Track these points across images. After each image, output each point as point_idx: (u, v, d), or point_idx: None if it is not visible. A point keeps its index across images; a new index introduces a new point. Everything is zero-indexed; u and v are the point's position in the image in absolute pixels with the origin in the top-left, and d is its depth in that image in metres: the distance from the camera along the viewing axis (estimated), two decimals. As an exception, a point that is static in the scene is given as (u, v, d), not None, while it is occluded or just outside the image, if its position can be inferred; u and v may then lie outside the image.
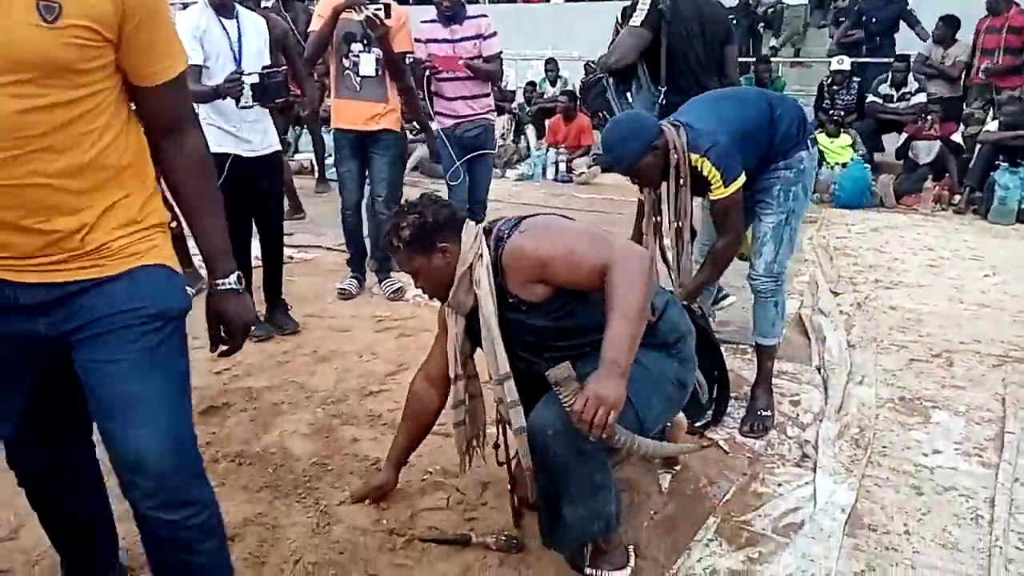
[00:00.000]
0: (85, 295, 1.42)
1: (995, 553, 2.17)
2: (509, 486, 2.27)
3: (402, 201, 2.11)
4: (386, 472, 2.43)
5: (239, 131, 3.65)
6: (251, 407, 3.10)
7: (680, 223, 2.78)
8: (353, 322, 4.11)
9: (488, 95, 4.57)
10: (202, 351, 3.70)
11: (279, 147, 3.92)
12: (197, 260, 4.58)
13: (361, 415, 3.03)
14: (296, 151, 9.13)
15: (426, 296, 2.11)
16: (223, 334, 1.66)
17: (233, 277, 1.61)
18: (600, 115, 3.99)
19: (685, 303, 2.70)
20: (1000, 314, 4.12)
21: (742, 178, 2.64)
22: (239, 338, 1.67)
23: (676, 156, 2.61)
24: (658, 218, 2.88)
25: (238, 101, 3.53)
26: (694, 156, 2.61)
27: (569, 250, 1.84)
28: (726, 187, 2.61)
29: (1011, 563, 2.14)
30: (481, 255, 1.97)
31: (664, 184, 2.73)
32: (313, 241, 5.65)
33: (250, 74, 3.54)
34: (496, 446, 2.28)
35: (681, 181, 2.66)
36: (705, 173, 2.61)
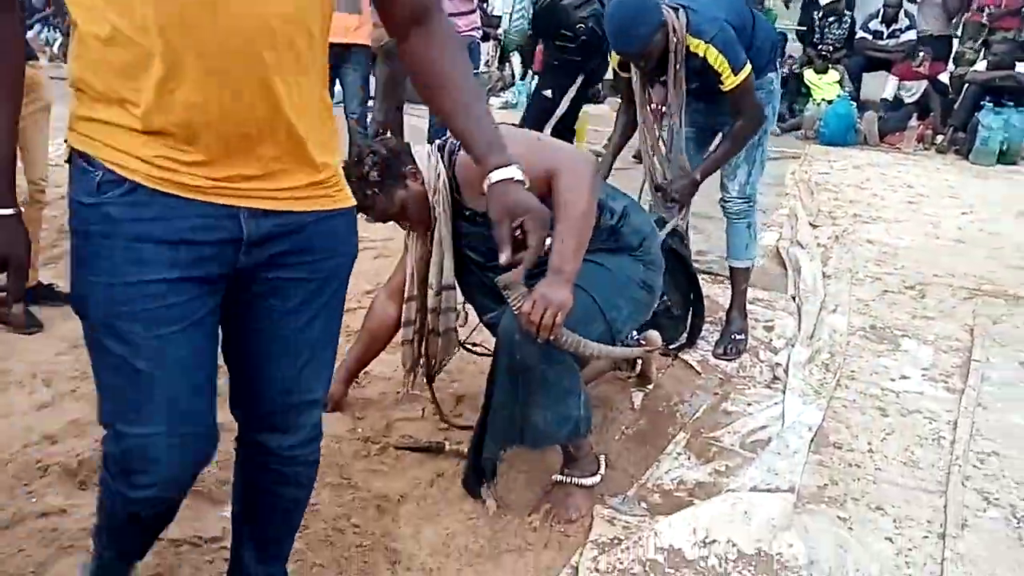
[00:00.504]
0: (304, 229, 1.25)
1: (954, 471, 2.24)
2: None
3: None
4: (335, 385, 2.38)
5: None
6: (227, 320, 3.08)
7: (673, 109, 2.72)
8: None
9: (474, 11, 4.48)
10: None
11: None
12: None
13: (338, 330, 3.02)
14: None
15: (416, 231, 2.12)
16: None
17: (515, 167, 1.32)
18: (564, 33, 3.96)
19: (666, 224, 2.71)
20: (974, 250, 4.17)
21: (749, 66, 2.56)
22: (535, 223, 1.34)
23: (675, 39, 2.54)
24: (652, 105, 2.83)
25: None
26: (696, 41, 2.52)
27: (518, 157, 1.82)
28: (735, 75, 2.53)
29: (968, 479, 2.20)
30: (439, 173, 1.98)
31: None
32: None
33: None
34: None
35: (677, 66, 2.59)
36: (711, 61, 2.52)
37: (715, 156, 2.78)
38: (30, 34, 9.37)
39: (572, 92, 4.20)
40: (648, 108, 2.82)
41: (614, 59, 2.80)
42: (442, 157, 2.01)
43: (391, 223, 2.14)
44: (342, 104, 4.43)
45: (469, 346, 2.39)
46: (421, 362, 2.33)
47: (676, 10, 2.54)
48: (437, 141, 2.08)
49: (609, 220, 2.03)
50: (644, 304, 2.11)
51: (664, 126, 2.81)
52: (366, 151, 2.01)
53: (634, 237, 2.06)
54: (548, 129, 4.17)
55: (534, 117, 4.28)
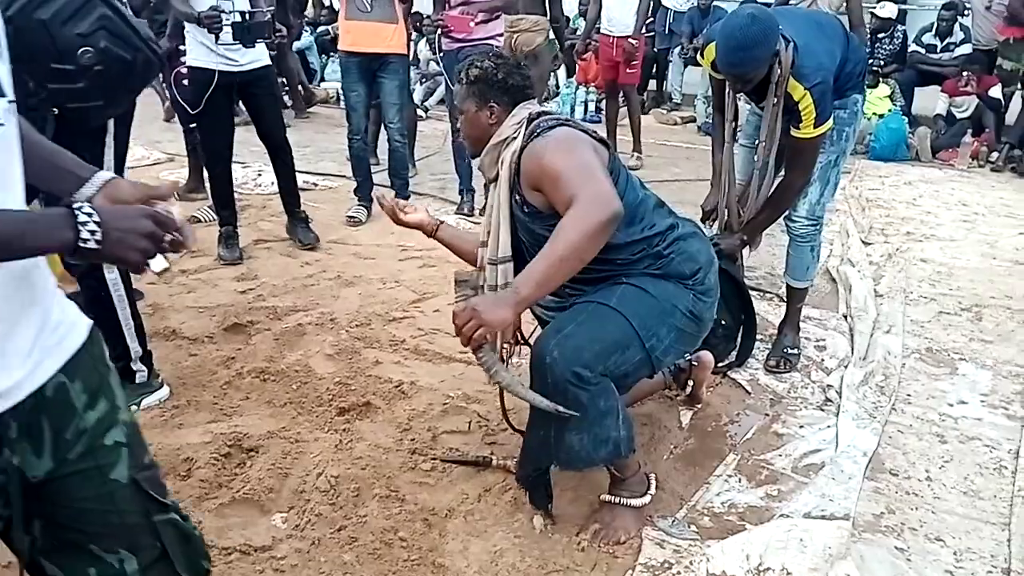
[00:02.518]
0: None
1: (1017, 503, 2.16)
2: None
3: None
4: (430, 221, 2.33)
5: (223, 48, 3.59)
6: (275, 326, 3.12)
7: (766, 141, 2.69)
8: (377, 250, 4.10)
9: (498, 18, 4.47)
10: (226, 270, 3.76)
11: (267, 62, 3.82)
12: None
13: (384, 339, 3.04)
14: (323, 79, 9.01)
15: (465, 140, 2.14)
16: None
17: None
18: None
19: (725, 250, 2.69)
20: (1033, 271, 4.04)
21: (830, 122, 2.56)
22: None
23: (779, 72, 2.50)
24: (733, 124, 2.81)
25: (217, 37, 3.51)
26: (795, 84, 2.49)
27: (558, 172, 1.81)
28: (815, 128, 2.52)
29: (1033, 513, 2.13)
30: (516, 138, 1.96)
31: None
32: (337, 170, 5.62)
33: (231, 12, 3.48)
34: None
35: (776, 99, 2.55)
36: (802, 107, 2.50)
37: (760, 220, 2.80)
38: None
39: (109, 154, 2.41)
40: (731, 124, 2.80)
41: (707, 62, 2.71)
42: (524, 129, 1.96)
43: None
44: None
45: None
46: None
47: (787, 43, 2.49)
48: (533, 112, 2.00)
49: (656, 246, 1.97)
50: (690, 334, 2.03)
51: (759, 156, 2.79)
52: (502, 62, 2.02)
53: (686, 265, 1.99)
54: None
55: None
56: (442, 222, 2.34)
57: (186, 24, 3.65)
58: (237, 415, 2.48)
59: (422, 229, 2.31)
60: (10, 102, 0.98)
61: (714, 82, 2.82)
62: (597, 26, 5.97)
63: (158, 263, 1.08)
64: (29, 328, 1.01)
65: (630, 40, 5.70)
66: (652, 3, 6.76)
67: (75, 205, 0.97)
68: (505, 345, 2.18)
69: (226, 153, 3.88)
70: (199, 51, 3.63)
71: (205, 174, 4.63)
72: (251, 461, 2.23)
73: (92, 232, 0.96)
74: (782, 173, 2.78)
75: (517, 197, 1.97)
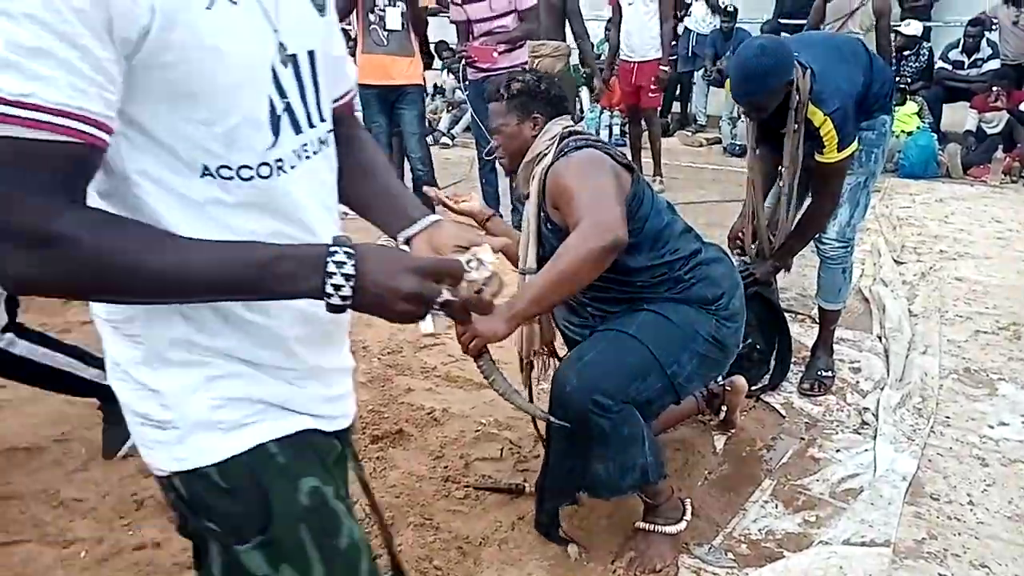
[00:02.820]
0: None
1: (1063, 527, 2.11)
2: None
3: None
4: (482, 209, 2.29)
5: None
6: (308, 355, 3.15)
7: (789, 166, 2.67)
8: (407, 277, 4.13)
9: (522, 47, 4.53)
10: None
11: None
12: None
13: (416, 367, 3.06)
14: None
15: (499, 157, 2.14)
16: None
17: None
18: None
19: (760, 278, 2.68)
20: (1072, 289, 3.97)
21: (854, 145, 2.55)
22: None
23: (797, 99, 2.50)
24: (758, 150, 2.81)
25: None
26: (814, 110, 2.49)
27: (574, 194, 1.83)
28: (839, 152, 2.51)
29: (1081, 538, 2.08)
30: (547, 154, 1.98)
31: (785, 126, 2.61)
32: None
33: None
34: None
35: (796, 125, 2.55)
36: (823, 132, 2.49)
37: (790, 245, 2.79)
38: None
39: None
40: (758, 152, 2.80)
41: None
42: (557, 145, 1.98)
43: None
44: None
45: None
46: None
47: (804, 70, 2.50)
48: (565, 129, 2.01)
49: (679, 270, 1.97)
50: (714, 360, 2.01)
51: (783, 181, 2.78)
52: (544, 77, 2.06)
53: (709, 290, 1.98)
54: None
55: None
56: (494, 212, 2.32)
57: None
58: (272, 444, 2.50)
59: (474, 217, 2.26)
60: (328, 131, 0.99)
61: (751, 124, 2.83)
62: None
63: (427, 325, 0.90)
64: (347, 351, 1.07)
65: (662, 67, 5.70)
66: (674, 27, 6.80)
67: (332, 244, 0.84)
68: (532, 358, 2.21)
69: None
70: None
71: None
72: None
73: (338, 286, 0.82)
74: (809, 198, 2.77)
75: (543, 213, 2.00)
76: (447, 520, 2.14)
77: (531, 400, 2.27)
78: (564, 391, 1.83)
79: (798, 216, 2.79)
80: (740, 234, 2.89)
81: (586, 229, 1.74)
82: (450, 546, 2.03)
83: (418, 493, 2.24)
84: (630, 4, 5.65)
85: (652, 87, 5.82)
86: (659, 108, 6.24)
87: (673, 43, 8.87)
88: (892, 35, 7.43)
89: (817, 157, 2.57)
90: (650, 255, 1.95)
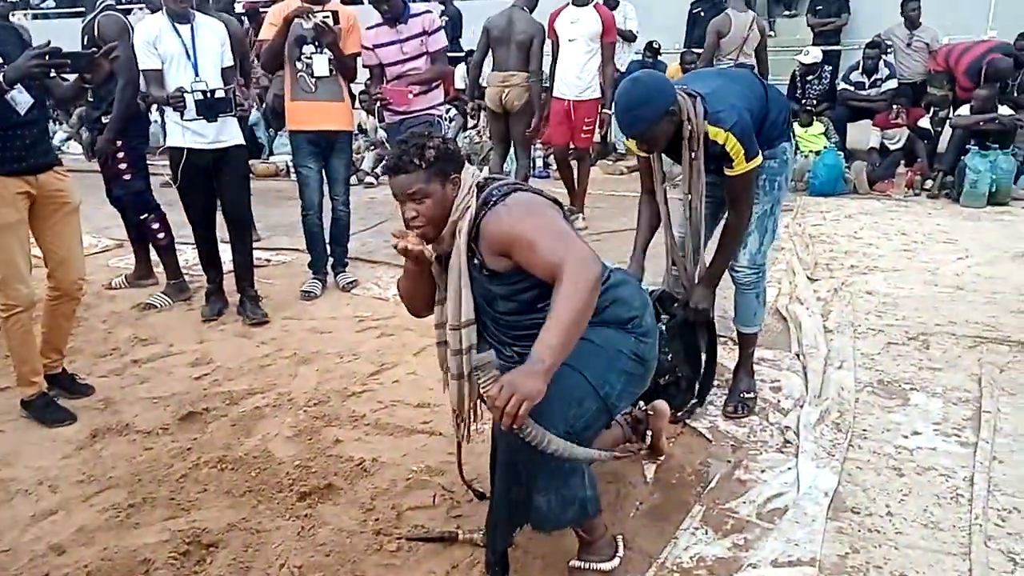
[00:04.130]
0: None
1: (975, 531, 2.20)
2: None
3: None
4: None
5: (193, 126, 3.82)
6: (232, 412, 3.08)
7: (693, 196, 2.74)
8: (334, 323, 4.08)
9: (437, 87, 4.60)
10: (180, 356, 3.71)
11: (240, 141, 4.03)
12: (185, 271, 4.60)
13: (344, 416, 3.01)
14: (271, 153, 9.04)
15: (420, 233, 2.03)
16: None
17: None
18: None
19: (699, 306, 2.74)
20: (974, 296, 4.18)
21: (760, 157, 2.63)
22: None
23: (690, 127, 2.57)
24: (665, 185, 2.86)
25: (182, 114, 3.77)
26: (714, 129, 2.56)
27: (533, 239, 1.85)
28: (746, 162, 2.58)
29: (991, 540, 2.16)
30: (469, 207, 1.97)
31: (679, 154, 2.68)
32: (290, 244, 5.61)
33: (193, 92, 3.75)
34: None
35: (693, 154, 2.63)
36: (728, 148, 2.56)
37: (717, 264, 2.84)
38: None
39: None
40: (663, 185, 2.86)
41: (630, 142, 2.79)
42: (477, 196, 1.99)
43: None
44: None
45: None
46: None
47: (694, 98, 2.57)
48: (480, 178, 2.04)
49: (585, 324, 1.97)
50: (638, 376, 2.07)
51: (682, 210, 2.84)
52: (439, 136, 2.01)
53: (623, 311, 2.04)
54: None
55: None
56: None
57: (163, 107, 3.91)
58: (195, 509, 2.43)
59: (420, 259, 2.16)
60: None
61: (641, 163, 2.90)
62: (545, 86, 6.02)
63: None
64: None
65: (606, 110, 5.68)
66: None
67: None
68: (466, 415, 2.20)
69: (206, 221, 4.13)
70: (172, 130, 3.89)
71: (153, 259, 4.64)
72: (211, 557, 2.18)
73: None
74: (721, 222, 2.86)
75: (476, 261, 1.99)
76: (379, 575, 2.10)
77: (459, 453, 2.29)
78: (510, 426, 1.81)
79: (708, 240, 2.86)
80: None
81: (576, 267, 1.77)
82: (383, 602, 1.99)
83: (349, 549, 2.20)
84: (571, 41, 5.59)
85: (586, 127, 5.78)
86: (588, 147, 6.14)
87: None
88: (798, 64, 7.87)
89: (727, 172, 2.63)
90: None
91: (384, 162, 1.98)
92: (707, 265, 2.86)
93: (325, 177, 4.48)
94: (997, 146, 6.55)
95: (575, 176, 6.09)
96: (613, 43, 5.67)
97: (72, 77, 2.91)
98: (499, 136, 6.02)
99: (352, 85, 4.51)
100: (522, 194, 1.99)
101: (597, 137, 6.65)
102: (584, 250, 1.82)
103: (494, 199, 1.96)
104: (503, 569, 2.03)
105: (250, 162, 7.62)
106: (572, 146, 6.05)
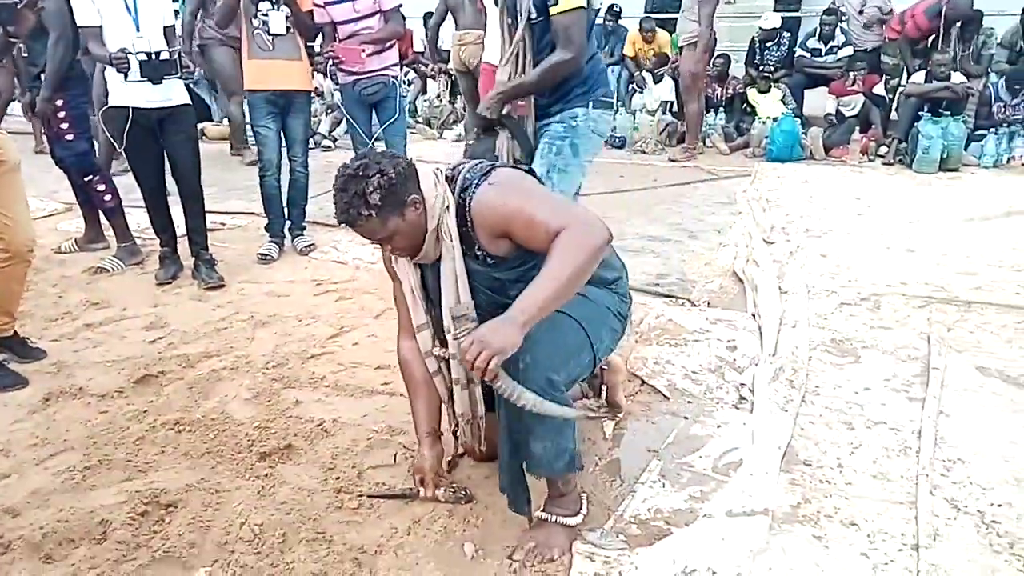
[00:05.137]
0: None
1: (922, 481, 2.28)
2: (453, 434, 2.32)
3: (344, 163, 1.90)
4: (427, 447, 2.20)
5: (138, 85, 3.72)
6: (188, 374, 3.03)
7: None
8: (291, 287, 4.04)
9: (391, 48, 4.52)
10: (134, 320, 3.64)
11: (186, 101, 3.93)
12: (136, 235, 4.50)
13: (304, 378, 2.99)
14: (224, 115, 8.83)
15: (398, 256, 2.03)
16: None
17: None
18: None
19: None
20: (924, 258, 4.28)
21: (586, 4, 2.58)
22: None
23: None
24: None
25: (126, 75, 3.67)
26: None
27: (533, 209, 1.81)
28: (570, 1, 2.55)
29: (936, 488, 2.24)
30: (448, 206, 1.92)
31: None
32: (245, 208, 5.52)
33: (136, 53, 3.65)
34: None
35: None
36: None
37: (516, 82, 2.74)
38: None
39: None
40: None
41: None
42: (451, 188, 1.93)
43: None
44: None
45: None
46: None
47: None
48: (444, 169, 1.98)
49: (579, 287, 2.03)
50: (618, 335, 2.15)
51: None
52: (374, 167, 1.82)
53: (608, 272, 2.10)
54: None
55: None
56: (433, 434, 2.24)
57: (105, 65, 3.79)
58: (153, 470, 2.40)
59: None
60: None
61: None
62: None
63: None
64: None
65: None
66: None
67: None
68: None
69: (155, 183, 4.05)
70: (115, 89, 3.77)
71: (104, 223, 4.52)
72: (170, 517, 2.16)
73: None
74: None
75: (478, 251, 1.95)
76: (341, 532, 2.11)
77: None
78: (519, 368, 1.80)
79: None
80: None
81: (579, 230, 1.75)
82: (344, 558, 2.00)
83: (309, 507, 2.20)
84: (496, 5, 5.54)
85: None
86: (525, 114, 6.10)
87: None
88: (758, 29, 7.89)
89: (552, 9, 2.60)
90: None
91: (335, 212, 1.88)
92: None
93: (283, 138, 4.41)
94: (949, 113, 6.69)
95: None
96: None
97: None
98: (469, 94, 5.98)
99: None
100: (503, 170, 1.95)
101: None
102: (588, 214, 1.80)
103: (473, 182, 1.91)
104: (524, 495, 2.05)
105: (202, 125, 7.52)
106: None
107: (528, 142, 2.82)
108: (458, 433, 2.29)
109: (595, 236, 1.77)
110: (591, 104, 2.79)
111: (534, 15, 2.68)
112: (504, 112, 2.80)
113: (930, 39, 7.37)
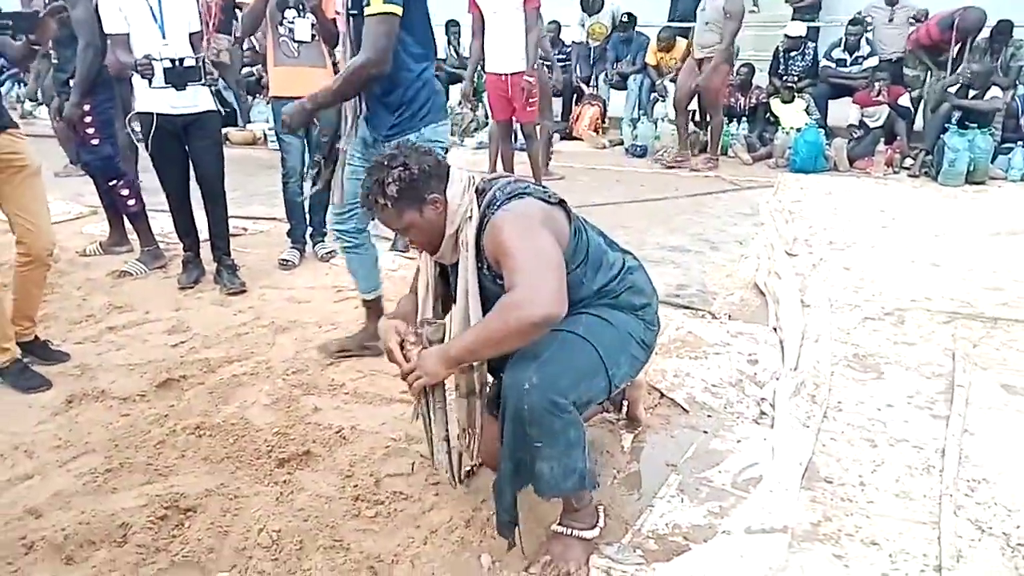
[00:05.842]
0: None
1: (945, 501, 2.24)
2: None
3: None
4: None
5: (163, 92, 3.76)
6: (209, 379, 3.06)
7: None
8: (312, 293, 4.06)
9: None
10: (156, 324, 3.67)
11: (212, 107, 3.95)
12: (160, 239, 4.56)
13: (323, 384, 3.01)
14: (248, 121, 8.93)
15: (416, 248, 2.07)
16: None
17: None
18: None
19: None
20: (949, 272, 4.23)
21: (397, 8, 2.55)
22: None
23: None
24: None
25: (151, 82, 3.71)
26: None
27: (513, 255, 1.81)
28: (385, 3, 2.53)
29: (960, 509, 2.21)
30: (471, 216, 1.94)
31: None
32: (268, 213, 5.56)
33: (162, 59, 3.70)
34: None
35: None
36: None
37: (326, 86, 2.75)
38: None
39: None
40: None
41: None
42: (480, 200, 1.94)
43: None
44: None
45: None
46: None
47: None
48: (478, 180, 2.00)
49: (613, 282, 2.06)
50: (640, 363, 2.13)
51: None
52: (399, 159, 1.90)
53: (636, 298, 2.09)
54: None
55: None
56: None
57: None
58: (173, 474, 2.42)
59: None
60: None
61: None
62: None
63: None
64: None
65: (526, 78, 5.51)
66: (547, 37, 6.77)
67: None
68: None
69: (179, 188, 4.09)
70: (141, 95, 3.82)
71: (128, 226, 4.58)
72: (189, 522, 2.18)
73: None
74: None
75: (487, 269, 1.96)
76: (358, 540, 2.11)
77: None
78: (523, 388, 1.80)
79: None
80: None
81: (519, 298, 1.74)
82: (361, 566, 2.00)
83: (327, 515, 2.20)
84: (495, 13, 5.47)
85: (530, 101, 5.64)
86: (534, 122, 5.92)
87: (564, 53, 9.11)
88: (784, 38, 7.87)
89: (365, 10, 2.57)
90: (597, 278, 2.04)
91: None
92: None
93: (308, 144, 4.43)
94: (976, 125, 6.61)
95: (529, 156, 5.94)
96: (536, 7, 5.48)
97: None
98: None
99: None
100: (525, 201, 1.92)
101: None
102: (545, 291, 1.75)
103: (500, 201, 1.92)
104: (512, 523, 2.02)
105: (226, 130, 7.60)
106: (518, 121, 5.93)
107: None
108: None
109: (529, 313, 1.73)
110: (423, 128, 2.77)
111: (351, 7, 2.70)
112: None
113: (954, 50, 7.31)
